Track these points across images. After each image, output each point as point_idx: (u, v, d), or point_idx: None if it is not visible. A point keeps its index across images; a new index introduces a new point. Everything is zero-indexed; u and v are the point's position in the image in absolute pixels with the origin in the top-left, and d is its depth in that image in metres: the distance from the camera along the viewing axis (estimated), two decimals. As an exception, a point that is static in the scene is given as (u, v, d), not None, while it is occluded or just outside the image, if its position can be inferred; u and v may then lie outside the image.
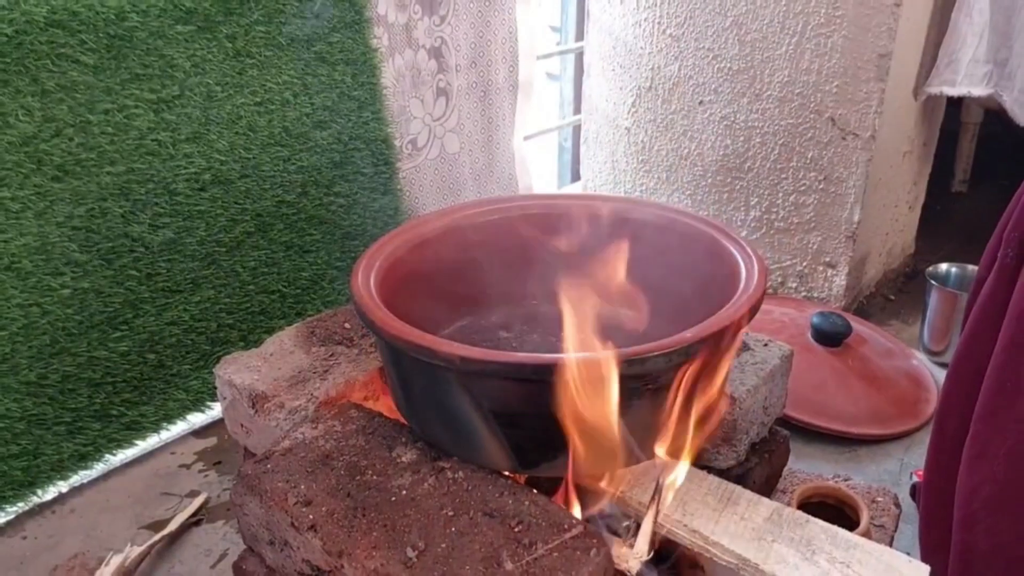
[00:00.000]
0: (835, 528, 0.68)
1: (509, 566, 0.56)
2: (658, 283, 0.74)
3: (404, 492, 0.62)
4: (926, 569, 0.64)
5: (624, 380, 0.56)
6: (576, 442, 0.59)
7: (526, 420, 0.59)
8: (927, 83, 1.35)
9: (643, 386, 0.59)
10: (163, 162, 1.00)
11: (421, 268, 0.76)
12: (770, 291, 1.48)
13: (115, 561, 0.84)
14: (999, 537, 0.70)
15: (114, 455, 1.04)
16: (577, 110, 1.72)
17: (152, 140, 0.99)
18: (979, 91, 1.33)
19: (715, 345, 0.59)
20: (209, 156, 1.05)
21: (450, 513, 0.61)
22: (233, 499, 0.66)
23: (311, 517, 0.61)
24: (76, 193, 0.94)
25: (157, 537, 0.91)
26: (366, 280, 0.68)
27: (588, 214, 0.79)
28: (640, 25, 1.45)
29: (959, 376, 0.75)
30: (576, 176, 1.79)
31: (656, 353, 0.56)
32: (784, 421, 1.15)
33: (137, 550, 0.87)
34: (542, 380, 0.56)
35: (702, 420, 0.66)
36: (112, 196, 0.97)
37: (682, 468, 0.65)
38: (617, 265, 0.73)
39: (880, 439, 1.13)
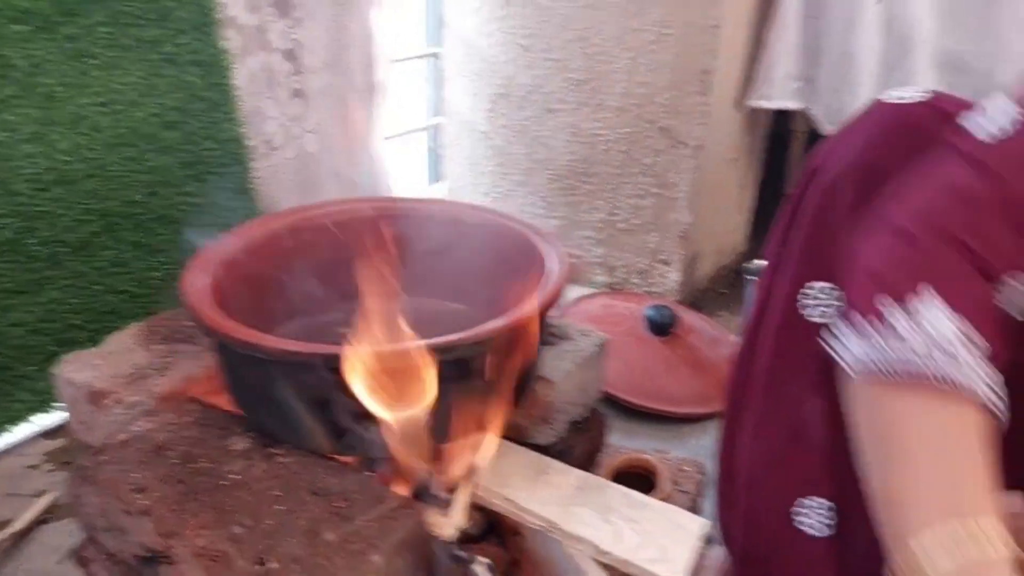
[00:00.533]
0: (631, 492, 0.78)
1: (329, 536, 0.62)
2: (479, 277, 0.82)
3: (235, 477, 0.67)
4: (702, 520, 0.74)
5: (430, 368, 0.63)
6: (390, 425, 0.65)
7: (342, 407, 0.65)
8: (747, 97, 1.49)
9: (450, 372, 0.66)
10: (2, 162, 1.00)
11: (259, 268, 0.80)
12: (616, 286, 1.59)
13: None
14: (774, 497, 0.81)
15: (-46, 458, 1.03)
16: (438, 112, 1.79)
17: (-11, 140, 0.98)
18: (792, 105, 1.48)
19: (515, 334, 0.67)
20: (51, 156, 1.04)
21: (278, 494, 0.66)
22: (70, 490, 0.69)
23: (144, 503, 0.64)
24: (-93, 193, 0.93)
25: (2, 536, 0.91)
26: (197, 279, 0.72)
27: (417, 216, 0.86)
28: (493, 35, 1.53)
29: (741, 358, 0.85)
30: (438, 178, 1.85)
31: (459, 342, 0.63)
32: (618, 403, 1.26)
33: (-22, 549, 0.87)
34: (340, 369, 0.61)
35: (513, 401, 0.73)
36: (-54, 197, 0.96)
37: (492, 444, 0.72)
38: (442, 262, 0.80)
39: (702, 417, 1.25)
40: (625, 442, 1.14)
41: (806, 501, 0.76)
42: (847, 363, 0.59)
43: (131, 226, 1.16)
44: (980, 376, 0.56)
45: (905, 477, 0.58)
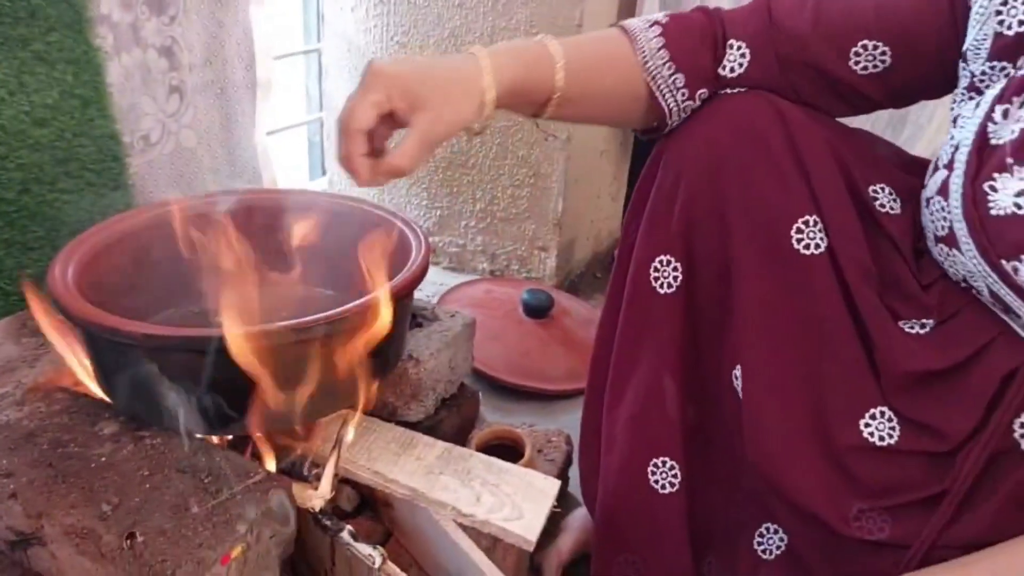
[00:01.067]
0: (492, 459, 0.85)
1: (196, 510, 0.66)
2: (348, 265, 0.86)
3: (104, 459, 0.70)
4: (556, 482, 0.81)
5: (289, 348, 0.68)
6: (254, 404, 0.70)
7: (208, 388, 0.69)
8: (614, 92, 1.58)
9: (310, 352, 0.71)
10: None
11: (127, 260, 0.83)
12: (497, 273, 1.67)
13: None
14: (630, 458, 0.88)
15: None
16: (322, 107, 1.81)
17: None
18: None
19: (369, 315, 0.72)
20: (-89, 154, 1.03)
21: (146, 473, 0.69)
22: (-65, 479, 0.70)
23: (12, 487, 0.67)
24: None
25: None
26: (63, 270, 0.74)
27: (286, 207, 0.90)
28: (370, 31, 1.57)
29: (602, 332, 0.93)
30: (324, 170, 1.88)
31: (314, 322, 0.69)
32: (496, 383, 1.33)
33: None
34: (210, 351, 0.66)
35: (375, 379, 0.79)
36: None
37: (355, 419, 0.78)
38: (314, 251, 0.85)
39: (573, 393, 1.34)
40: (502, 419, 1.21)
41: (657, 461, 0.84)
42: None
43: (2, 224, 1.15)
44: None
45: None
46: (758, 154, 0.74)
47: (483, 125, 0.74)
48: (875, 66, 0.73)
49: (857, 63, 0.74)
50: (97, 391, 0.78)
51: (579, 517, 1.02)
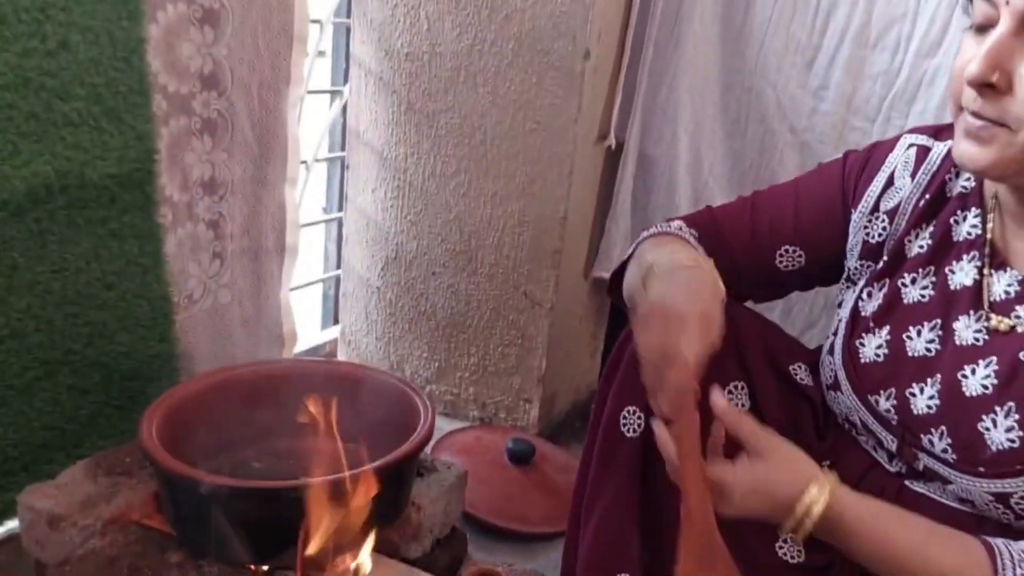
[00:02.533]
0: (478, 594, 1.02)
1: (245, 626, 0.84)
2: (371, 424, 1.07)
3: (172, 583, 0.88)
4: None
5: (324, 498, 0.88)
6: (300, 542, 0.89)
7: (259, 528, 0.88)
8: (592, 269, 1.85)
9: (340, 501, 0.90)
10: (-34, 322, 1.20)
11: (192, 415, 1.04)
12: (486, 420, 1.87)
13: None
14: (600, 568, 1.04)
15: None
16: (338, 264, 2.07)
17: (-41, 303, 1.18)
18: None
19: (391, 472, 0.93)
20: (8, 315, 1.25)
21: (206, 596, 0.87)
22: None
23: (100, 604, 0.85)
24: None
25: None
26: (149, 426, 0.95)
27: (318, 373, 1.12)
28: (387, 210, 1.84)
29: (581, 472, 1.11)
30: (336, 320, 2.11)
31: (346, 477, 0.89)
32: (480, 524, 1.50)
33: (-79, 658, 1.02)
34: (267, 500, 0.86)
35: (389, 521, 0.98)
36: (-84, 350, 1.15)
37: (365, 556, 0.96)
38: (343, 411, 1.06)
39: (551, 536, 1.51)
40: (486, 556, 1.38)
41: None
42: None
43: (68, 372, 1.35)
44: None
45: None
46: None
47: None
48: (795, 264, 1.00)
49: (781, 262, 1.00)
50: (164, 525, 0.97)
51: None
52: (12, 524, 1.32)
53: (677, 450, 0.78)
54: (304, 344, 1.99)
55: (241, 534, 0.89)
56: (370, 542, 0.95)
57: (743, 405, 0.96)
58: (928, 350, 0.89)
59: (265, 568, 0.95)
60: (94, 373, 1.41)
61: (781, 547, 0.92)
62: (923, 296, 0.92)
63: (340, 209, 2.03)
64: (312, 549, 0.91)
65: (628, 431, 1.00)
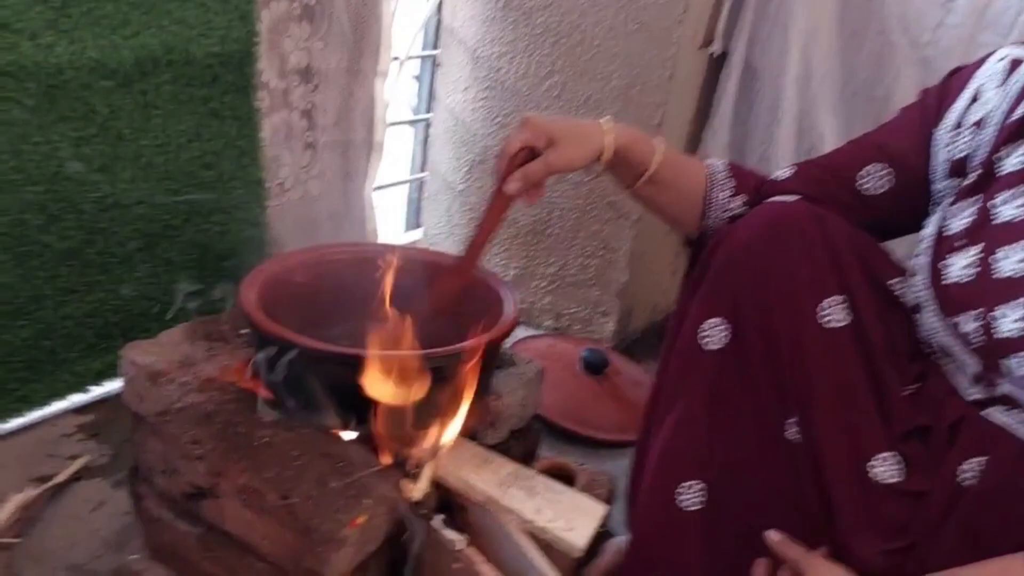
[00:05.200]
0: (552, 481, 1.04)
1: (333, 485, 0.87)
2: (456, 310, 1.08)
3: (265, 440, 0.92)
4: (602, 505, 1.00)
5: (412, 372, 0.89)
6: (382, 412, 0.91)
7: (349, 395, 0.91)
8: (681, 184, 1.80)
9: (430, 377, 0.92)
10: (76, 186, 1.24)
11: (287, 288, 1.06)
12: (559, 330, 1.87)
13: (17, 499, 1.06)
14: (664, 480, 1.05)
15: (5, 423, 1.25)
16: (423, 168, 2.07)
17: (70, 168, 1.23)
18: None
19: (476, 355, 0.94)
20: (114, 184, 1.29)
21: (296, 453, 0.91)
22: (135, 439, 0.93)
23: (199, 451, 0.89)
24: (2, 205, 1.17)
25: (48, 485, 1.14)
26: (248, 294, 0.98)
27: (411, 259, 1.13)
28: (476, 111, 1.82)
29: (656, 381, 1.11)
30: (418, 224, 2.13)
31: (438, 354, 0.90)
32: (553, 427, 1.52)
33: (34, 492, 1.10)
34: (360, 367, 0.87)
35: (472, 405, 0.99)
36: (31, 210, 1.20)
37: (452, 433, 0.98)
38: (426, 296, 1.08)
39: (620, 444, 1.52)
40: (553, 457, 1.40)
41: (685, 484, 1.01)
42: None
43: (166, 246, 1.40)
44: None
45: None
46: (796, 244, 0.94)
47: (595, 172, 1.03)
48: (885, 186, 0.96)
49: (866, 184, 0.99)
50: (258, 388, 1.00)
51: (617, 542, 1.20)
52: (110, 385, 1.40)
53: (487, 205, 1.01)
54: (386, 244, 2.01)
55: (331, 400, 0.92)
56: (459, 421, 0.97)
57: (841, 320, 0.93)
58: (1017, 271, 0.84)
59: (351, 434, 0.98)
60: (191, 250, 1.45)
61: (874, 466, 0.90)
62: (1016, 215, 0.86)
63: (428, 110, 2.02)
64: (392, 421, 0.93)
65: (707, 344, 0.98)
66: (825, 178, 1.02)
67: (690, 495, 1.00)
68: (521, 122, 0.99)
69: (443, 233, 2.00)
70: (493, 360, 1.06)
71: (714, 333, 0.98)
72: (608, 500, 1.26)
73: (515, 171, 0.97)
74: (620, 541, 1.20)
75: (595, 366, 1.61)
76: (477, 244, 1.04)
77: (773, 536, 0.91)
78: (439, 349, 0.92)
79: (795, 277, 0.93)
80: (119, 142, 1.28)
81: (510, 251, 1.88)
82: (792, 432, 0.93)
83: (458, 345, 0.93)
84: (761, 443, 0.96)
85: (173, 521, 0.93)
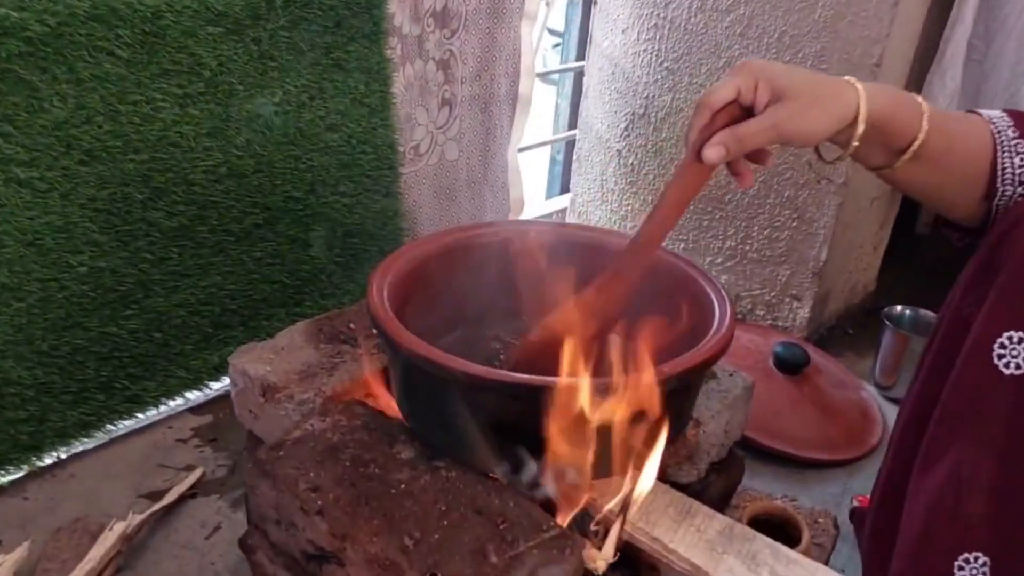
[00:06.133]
0: (778, 545, 0.77)
1: (494, 559, 0.64)
2: (637, 313, 0.82)
3: (403, 486, 0.70)
4: (855, 586, 0.73)
5: (603, 404, 0.64)
6: (557, 454, 0.67)
7: (515, 431, 0.67)
8: (900, 137, 1.44)
9: (621, 409, 0.67)
10: (183, 153, 1.06)
11: (424, 282, 0.83)
12: (739, 317, 1.57)
13: (118, 528, 0.90)
14: (937, 552, 0.78)
15: (115, 426, 1.10)
16: (572, 125, 1.80)
17: (175, 132, 1.04)
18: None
19: (687, 378, 0.67)
20: (227, 151, 1.10)
21: (443, 508, 0.68)
22: (247, 481, 0.73)
23: (319, 502, 0.68)
24: (100, 177, 0.99)
25: (157, 507, 0.97)
26: (379, 291, 0.75)
27: (576, 243, 0.87)
28: (639, 55, 1.53)
29: (914, 403, 0.83)
30: (565, 189, 1.86)
31: (628, 382, 0.64)
32: (742, 441, 1.24)
33: (138, 518, 0.93)
34: (533, 398, 0.63)
35: (670, 440, 0.74)
36: (134, 183, 1.03)
37: (647, 482, 0.73)
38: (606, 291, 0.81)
39: (827, 464, 1.22)
40: (748, 482, 1.12)
41: (968, 556, 0.74)
42: None
43: (289, 221, 1.21)
44: None
45: None
46: None
47: (836, 156, 0.75)
48: None
49: None
50: (392, 409, 0.78)
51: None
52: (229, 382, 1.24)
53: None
54: (528, 214, 1.77)
55: (490, 435, 0.68)
56: (654, 464, 0.71)
57: None
58: None
59: (513, 479, 0.74)
60: (316, 225, 1.26)
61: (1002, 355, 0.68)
62: None
63: (580, 57, 1.74)
64: (574, 463, 0.69)
65: (1007, 366, 0.71)
66: None
67: (973, 573, 0.73)
68: (737, 66, 0.70)
69: (595, 201, 1.73)
70: (700, 382, 0.80)
71: (1019, 351, 0.70)
72: (833, 549, 0.98)
73: (720, 132, 0.69)
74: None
75: (791, 364, 1.31)
76: (657, 228, 0.76)
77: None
78: (632, 376, 0.66)
79: None
80: (230, 100, 1.09)
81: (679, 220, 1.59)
82: None
83: (662, 368, 0.67)
84: None
85: (290, 584, 0.73)
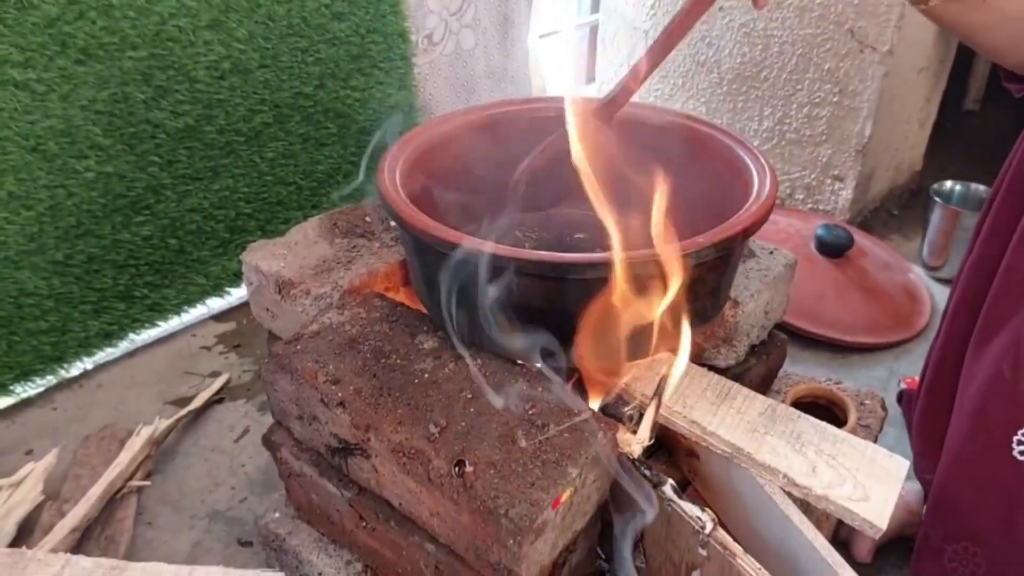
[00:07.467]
0: (824, 424, 0.73)
1: (523, 444, 0.61)
2: (673, 187, 0.76)
3: (426, 375, 0.67)
4: (905, 463, 0.69)
5: (636, 280, 0.59)
6: (587, 336, 0.63)
7: (544, 315, 0.63)
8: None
9: (645, 288, 0.62)
10: (183, 48, 1.00)
11: (442, 166, 0.78)
12: (777, 202, 1.50)
13: (145, 432, 0.89)
14: (995, 427, 0.74)
15: (138, 335, 1.09)
16: (595, 10, 1.70)
17: (173, 26, 0.98)
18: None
19: (723, 250, 0.62)
20: (228, 44, 1.04)
21: (469, 396, 0.65)
22: (264, 376, 0.70)
23: (340, 394, 0.65)
24: (99, 77, 0.95)
25: (183, 412, 0.97)
26: (392, 176, 0.70)
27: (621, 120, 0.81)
28: (664, -77, 1.42)
29: (967, 284, 0.78)
30: (591, 78, 1.77)
31: (654, 257, 0.59)
32: (782, 326, 1.19)
33: (165, 423, 0.92)
34: (563, 278, 0.59)
35: (707, 320, 0.69)
36: (134, 81, 0.98)
37: (681, 363, 0.69)
38: (638, 171, 0.75)
39: (873, 347, 1.18)
40: (789, 368, 1.08)
41: None
42: None
43: (300, 118, 1.16)
44: None
45: None
46: None
47: None
48: None
49: None
50: (412, 301, 0.75)
51: (902, 492, 0.89)
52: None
53: None
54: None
55: (515, 320, 0.64)
56: (685, 347, 0.67)
57: None
58: None
59: (540, 366, 0.70)
60: (328, 122, 1.20)
61: None
62: None
63: (600, -68, 1.62)
64: (605, 344, 0.65)
65: None
66: None
67: None
68: None
69: (622, 88, 1.64)
70: (738, 256, 0.74)
71: None
72: (880, 431, 0.94)
73: None
74: (905, 492, 0.88)
75: (835, 247, 1.25)
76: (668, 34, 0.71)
77: None
78: (667, 248, 0.61)
79: None
80: (228, -12, 1.02)
81: (711, 103, 1.50)
82: None
83: (697, 239, 0.61)
84: None
85: (318, 479, 0.71)
